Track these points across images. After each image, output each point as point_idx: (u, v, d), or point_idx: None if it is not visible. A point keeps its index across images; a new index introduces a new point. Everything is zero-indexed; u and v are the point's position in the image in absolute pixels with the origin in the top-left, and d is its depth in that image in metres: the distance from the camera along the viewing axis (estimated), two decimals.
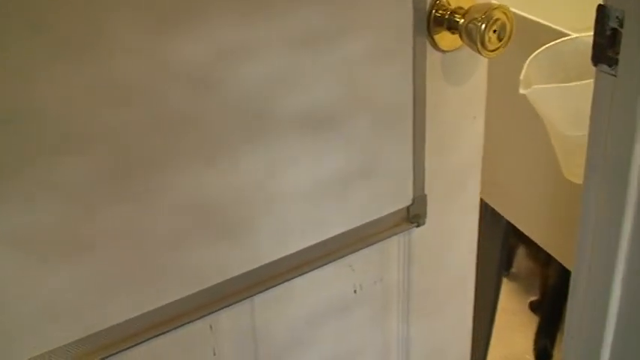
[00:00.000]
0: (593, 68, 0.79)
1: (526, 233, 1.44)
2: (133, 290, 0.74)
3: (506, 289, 2.09)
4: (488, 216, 1.57)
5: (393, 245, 0.91)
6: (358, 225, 0.85)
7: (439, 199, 0.91)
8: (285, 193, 0.80)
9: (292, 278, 0.83)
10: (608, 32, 0.76)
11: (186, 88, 0.71)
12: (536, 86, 1.01)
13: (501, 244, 1.59)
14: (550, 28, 1.19)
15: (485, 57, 0.84)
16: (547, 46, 1.08)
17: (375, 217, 0.85)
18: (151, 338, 0.77)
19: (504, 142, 1.45)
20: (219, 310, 0.80)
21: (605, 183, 0.84)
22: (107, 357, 0.75)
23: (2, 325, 0.69)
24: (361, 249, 0.86)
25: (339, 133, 0.78)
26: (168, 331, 0.78)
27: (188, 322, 0.78)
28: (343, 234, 0.84)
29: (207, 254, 0.78)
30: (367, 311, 0.94)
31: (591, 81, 0.82)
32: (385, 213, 0.86)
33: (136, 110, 0.69)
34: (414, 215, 0.88)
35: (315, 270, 0.84)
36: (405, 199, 0.86)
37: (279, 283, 0.83)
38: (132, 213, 0.72)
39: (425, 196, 0.87)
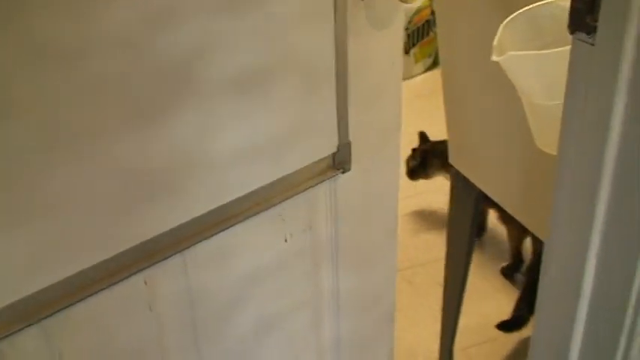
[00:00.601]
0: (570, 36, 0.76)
1: (498, 203, 1.42)
2: (68, 249, 0.75)
3: (478, 253, 2.08)
4: (460, 184, 1.54)
5: (321, 193, 0.93)
6: (286, 174, 0.87)
7: (363, 147, 0.97)
8: (216, 150, 0.81)
9: (224, 229, 0.84)
10: None
11: (115, 53, 0.70)
12: (510, 53, 0.97)
13: (473, 213, 1.57)
14: None
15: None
16: (522, 10, 1.04)
17: (302, 166, 0.88)
18: (88, 297, 0.78)
19: (476, 109, 1.42)
20: (153, 264, 0.81)
21: (581, 155, 0.81)
22: (45, 317, 0.75)
23: None
24: (290, 197, 0.88)
25: (266, 93, 0.81)
26: (104, 289, 0.79)
27: (123, 279, 0.79)
28: (272, 184, 0.86)
29: (141, 211, 0.79)
30: (299, 261, 0.97)
31: (568, 48, 0.79)
32: (312, 161, 0.89)
33: (63, 75, 0.68)
34: (339, 162, 0.91)
35: (247, 220, 0.85)
36: (330, 147, 0.90)
37: (212, 235, 0.84)
38: (66, 176, 0.72)
39: (349, 143, 0.90)
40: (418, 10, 3.51)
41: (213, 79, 0.76)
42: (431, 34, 3.62)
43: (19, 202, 0.69)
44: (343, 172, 0.91)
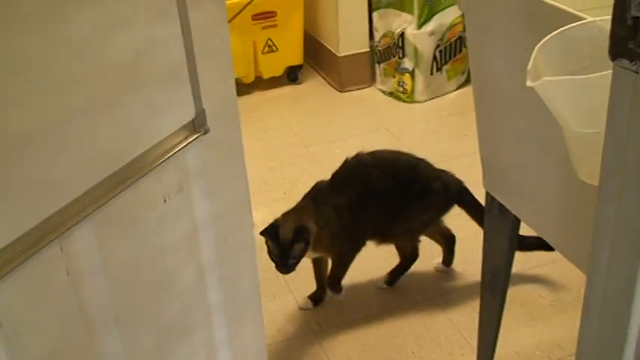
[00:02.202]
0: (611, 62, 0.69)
1: (536, 232, 1.35)
2: None
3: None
4: (495, 210, 1.47)
5: (188, 155, 1.12)
6: (158, 141, 1.05)
7: (215, 113, 1.14)
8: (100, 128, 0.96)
9: (115, 195, 0.98)
10: (629, 22, 0.66)
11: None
12: (545, 78, 0.91)
13: (509, 240, 1.50)
14: (561, 10, 1.09)
15: None
16: (557, 31, 0.98)
17: (169, 133, 1.07)
18: (7, 274, 0.85)
19: (511, 133, 1.35)
20: (65, 231, 0.91)
21: (624, 189, 0.75)
22: None
23: None
24: (162, 162, 1.05)
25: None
26: (22, 263, 0.86)
27: (40, 248, 0.88)
28: (149, 151, 1.04)
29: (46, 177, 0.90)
30: (179, 221, 1.15)
31: (608, 73, 0.73)
32: (177, 128, 1.08)
33: None
34: (199, 126, 1.11)
35: (132, 186, 1.01)
36: (189, 115, 1.10)
37: (108, 201, 0.97)
38: None
39: (204, 110, 1.11)
40: (450, 26, 3.45)
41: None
42: (464, 50, 3.55)
43: None
44: (204, 134, 1.12)
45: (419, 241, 2.21)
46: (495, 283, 1.62)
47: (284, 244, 1.93)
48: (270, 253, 1.96)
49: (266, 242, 1.96)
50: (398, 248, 2.22)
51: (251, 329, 1.42)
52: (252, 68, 3.64)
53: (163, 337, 1.18)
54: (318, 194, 2.05)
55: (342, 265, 2.09)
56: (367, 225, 2.05)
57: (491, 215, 1.51)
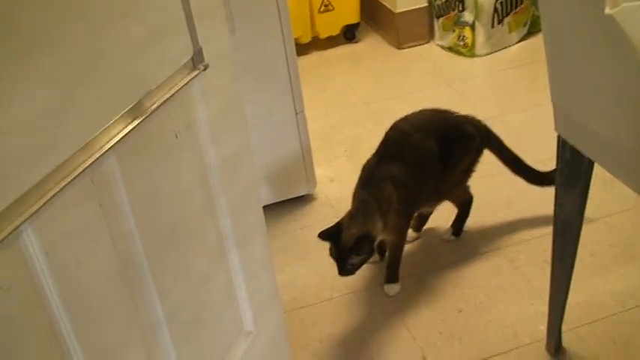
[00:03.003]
0: None
1: (612, 175, 1.31)
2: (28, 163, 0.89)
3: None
4: (567, 154, 1.44)
5: (191, 91, 1.21)
6: (164, 80, 1.13)
7: (211, 48, 1.23)
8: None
9: (134, 129, 1.04)
10: None
11: None
12: (625, 4, 0.88)
13: (583, 184, 1.47)
14: None
15: None
16: None
17: (173, 71, 1.15)
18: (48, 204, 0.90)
19: (587, 72, 1.31)
20: (93, 163, 0.97)
21: None
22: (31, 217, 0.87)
23: None
24: (170, 99, 1.12)
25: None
26: (59, 193, 0.91)
27: (74, 179, 0.93)
28: (158, 88, 1.12)
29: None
30: (190, 155, 1.24)
31: None
32: (179, 66, 1.16)
33: None
34: (198, 62, 1.20)
35: (146, 120, 1.07)
36: (189, 53, 1.19)
37: (127, 134, 1.03)
38: None
39: (200, 48, 1.20)
40: None
41: None
42: (525, 2, 3.46)
43: None
44: (205, 69, 1.21)
45: (468, 186, 2.20)
46: (568, 229, 1.59)
47: (344, 250, 1.86)
48: (331, 253, 1.90)
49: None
50: (452, 201, 2.21)
51: (259, 247, 1.52)
52: (309, 28, 3.63)
53: (183, 258, 1.27)
54: (372, 177, 1.99)
55: (400, 245, 2.05)
56: (422, 191, 2.04)
57: (563, 160, 1.48)
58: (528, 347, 1.82)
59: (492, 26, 3.41)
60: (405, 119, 2.09)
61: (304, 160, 2.40)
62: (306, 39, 3.62)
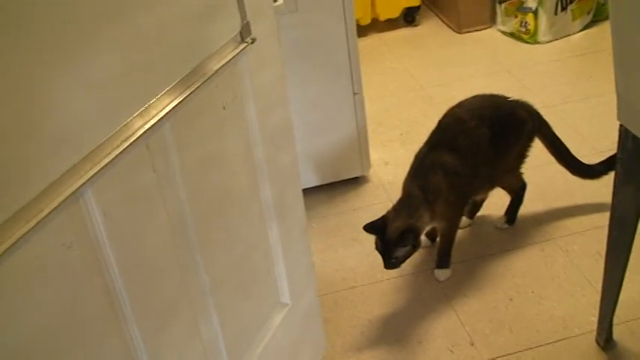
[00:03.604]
0: None
1: None
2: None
3: None
4: (630, 143, 1.42)
5: (241, 62, 1.25)
6: (213, 52, 1.17)
7: (258, 23, 1.28)
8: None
9: (186, 98, 1.08)
10: None
11: None
12: None
13: None
14: None
15: None
16: None
17: (223, 44, 1.19)
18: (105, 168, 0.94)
19: None
20: (149, 129, 1.01)
21: None
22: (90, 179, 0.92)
23: None
24: (219, 71, 1.16)
25: None
26: (118, 156, 0.95)
27: (131, 144, 0.97)
28: (208, 60, 1.16)
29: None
30: (235, 123, 1.28)
31: None
32: (228, 39, 1.21)
33: None
34: (246, 36, 1.24)
35: (197, 91, 1.11)
36: (237, 27, 1.23)
37: (180, 102, 1.07)
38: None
39: (248, 22, 1.24)
40: None
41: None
42: None
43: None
44: (252, 42, 1.24)
45: (522, 172, 2.18)
46: (625, 221, 1.57)
47: (389, 243, 1.85)
48: (376, 245, 1.90)
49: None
50: (505, 188, 2.19)
51: (297, 222, 1.55)
52: (369, 10, 3.62)
53: (228, 228, 1.31)
54: (421, 166, 1.98)
55: (452, 232, 2.04)
56: (476, 178, 2.02)
57: (625, 149, 1.46)
58: (578, 338, 1.80)
59: (556, 13, 3.35)
60: (459, 105, 2.07)
61: (360, 142, 2.40)
62: (365, 21, 3.61)
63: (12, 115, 0.80)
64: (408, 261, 1.92)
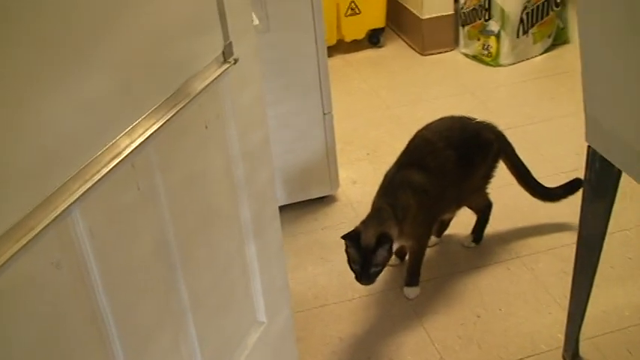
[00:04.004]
0: None
1: None
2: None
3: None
4: (597, 165, 1.47)
5: (223, 82, 1.27)
6: (196, 72, 1.19)
7: (240, 43, 1.30)
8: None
9: (170, 119, 1.10)
10: None
11: None
12: None
13: (612, 194, 1.49)
14: None
15: None
16: None
17: (205, 64, 1.21)
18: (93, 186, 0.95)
19: (614, 80, 1.34)
20: (135, 149, 1.02)
21: None
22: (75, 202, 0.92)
23: None
24: (203, 90, 1.18)
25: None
26: (105, 175, 0.96)
27: (118, 164, 0.99)
28: (191, 80, 1.17)
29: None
30: (216, 142, 1.30)
31: None
32: (211, 59, 1.23)
33: None
34: (229, 56, 1.26)
35: (180, 111, 1.12)
36: (219, 47, 1.24)
37: (165, 123, 1.08)
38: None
39: (231, 42, 1.26)
40: None
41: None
42: (551, 13, 3.48)
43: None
44: (235, 63, 1.27)
45: (487, 192, 2.23)
46: (592, 240, 1.62)
47: (366, 251, 1.85)
48: (350, 261, 1.89)
49: (346, 250, 1.90)
50: (472, 207, 2.24)
51: (273, 241, 1.55)
52: (335, 31, 3.66)
53: (208, 246, 1.33)
54: (391, 185, 2.01)
55: (421, 250, 2.07)
56: (444, 198, 2.06)
57: (592, 170, 1.50)
58: (545, 354, 1.84)
59: (517, 36, 3.43)
60: (427, 128, 2.12)
61: (329, 161, 2.43)
62: (331, 41, 3.65)
63: (3, 132, 0.81)
64: (378, 279, 1.94)
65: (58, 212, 0.89)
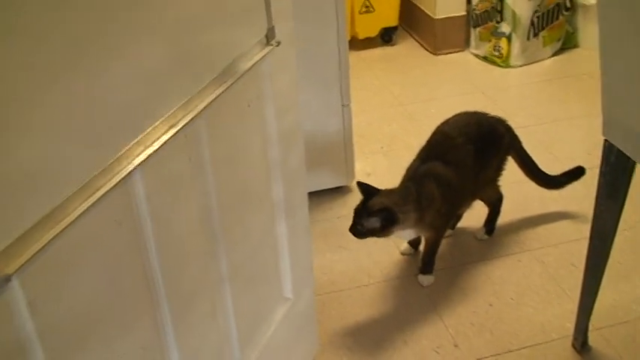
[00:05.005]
0: None
1: None
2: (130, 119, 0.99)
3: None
4: (613, 158, 1.53)
5: (265, 64, 1.33)
6: (241, 53, 1.25)
7: (281, 28, 1.36)
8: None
9: (218, 96, 1.16)
10: None
11: None
12: None
13: (626, 187, 1.55)
14: None
15: None
16: None
17: (251, 46, 1.28)
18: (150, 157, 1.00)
19: (633, 74, 1.40)
20: (188, 122, 1.08)
21: None
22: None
23: None
24: (248, 71, 1.24)
25: None
26: (161, 147, 1.02)
27: (173, 135, 1.05)
28: (236, 61, 1.23)
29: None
30: (256, 121, 1.37)
31: None
32: (256, 40, 1.30)
33: None
34: (271, 39, 1.33)
35: (228, 90, 1.18)
36: (263, 30, 1.31)
37: (213, 100, 1.15)
38: None
39: (273, 26, 1.33)
40: None
41: None
42: (560, 17, 3.55)
43: None
44: (277, 45, 1.33)
45: (499, 185, 2.30)
46: (605, 235, 1.67)
47: (365, 209, 1.93)
48: (356, 208, 1.97)
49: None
50: (484, 199, 2.30)
51: (301, 221, 1.63)
52: (349, 28, 3.71)
53: (246, 219, 1.40)
54: (416, 175, 2.07)
55: (438, 240, 2.14)
56: (464, 191, 2.13)
57: (609, 163, 1.56)
58: (556, 342, 1.90)
59: (528, 39, 3.50)
60: (446, 123, 2.18)
61: (346, 152, 2.49)
62: None
63: (76, 97, 0.87)
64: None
65: (122, 175, 0.95)
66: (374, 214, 1.92)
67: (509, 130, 2.24)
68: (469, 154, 2.09)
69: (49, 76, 0.82)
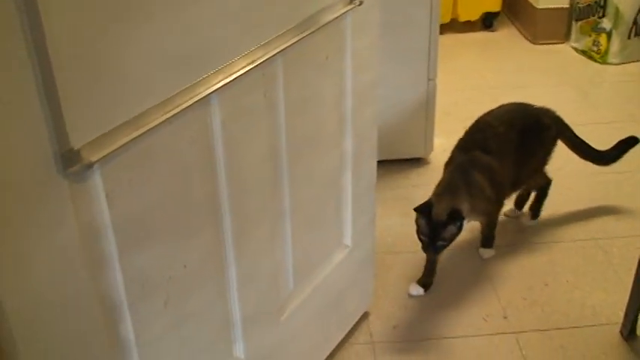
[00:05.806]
0: None
1: None
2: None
3: None
4: None
5: (346, 21, 1.44)
6: (325, 6, 1.35)
7: None
8: None
9: (297, 42, 1.27)
10: None
11: None
12: None
13: None
14: None
15: None
16: None
17: (334, 1, 1.38)
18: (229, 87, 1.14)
19: None
20: (267, 60, 1.20)
21: None
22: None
23: None
24: (328, 24, 1.35)
25: None
26: (240, 78, 1.15)
27: (250, 70, 1.17)
28: (319, 13, 1.34)
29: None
30: (332, 74, 1.47)
31: None
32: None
33: None
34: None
35: (307, 37, 1.30)
36: None
37: (291, 44, 1.26)
38: None
39: None
40: None
41: None
42: None
43: None
44: (360, 4, 1.42)
45: (546, 171, 2.34)
46: None
47: (436, 225, 1.91)
48: (419, 232, 1.95)
49: (416, 221, 1.95)
50: (531, 187, 2.36)
51: (368, 174, 1.76)
52: (450, 9, 3.77)
53: (312, 163, 1.51)
54: (460, 164, 2.11)
55: (493, 223, 2.20)
56: (509, 177, 2.18)
57: None
58: (604, 327, 1.95)
59: (629, 37, 3.46)
60: (489, 113, 2.24)
61: (426, 124, 2.57)
62: (445, 19, 3.76)
63: (168, 25, 1.00)
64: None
65: (201, 96, 1.08)
66: (448, 221, 1.92)
67: (556, 121, 2.27)
68: (511, 143, 2.14)
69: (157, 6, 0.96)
